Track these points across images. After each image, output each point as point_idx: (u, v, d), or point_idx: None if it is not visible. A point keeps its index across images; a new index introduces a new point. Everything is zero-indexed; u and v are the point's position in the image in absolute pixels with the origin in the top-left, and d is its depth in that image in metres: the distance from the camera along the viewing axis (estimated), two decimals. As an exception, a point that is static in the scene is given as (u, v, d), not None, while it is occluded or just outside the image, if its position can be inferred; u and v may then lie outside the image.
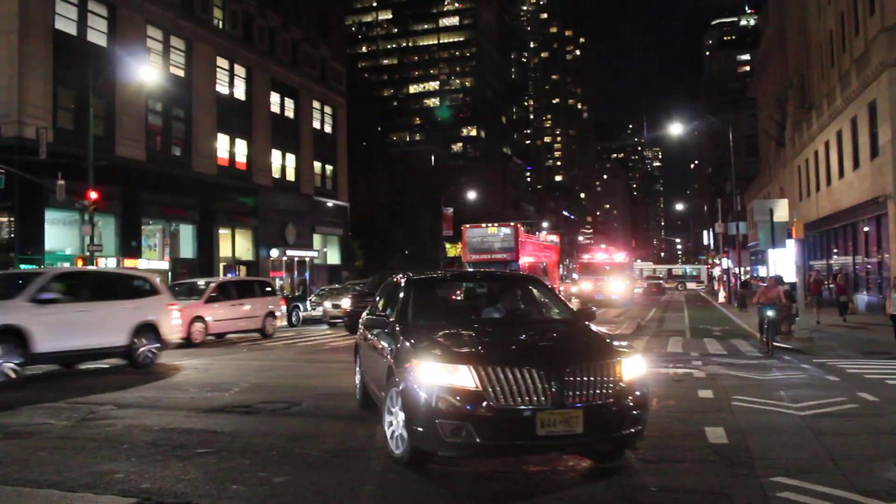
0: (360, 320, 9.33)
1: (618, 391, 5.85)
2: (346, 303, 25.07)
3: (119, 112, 32.64)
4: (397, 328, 7.01)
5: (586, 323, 7.49)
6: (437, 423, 5.59)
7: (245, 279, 29.35)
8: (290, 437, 7.60)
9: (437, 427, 5.59)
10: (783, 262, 38.15)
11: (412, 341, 6.41)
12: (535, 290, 8.65)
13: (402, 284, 7.97)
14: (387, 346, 6.95)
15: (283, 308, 24.89)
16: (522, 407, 5.55)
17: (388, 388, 6.47)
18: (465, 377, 5.63)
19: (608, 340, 6.58)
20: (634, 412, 5.90)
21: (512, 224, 34.70)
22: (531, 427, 5.52)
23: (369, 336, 8.16)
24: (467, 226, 35.24)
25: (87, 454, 6.90)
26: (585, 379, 5.74)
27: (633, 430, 5.93)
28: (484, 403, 5.54)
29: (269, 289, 24.62)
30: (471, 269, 29.37)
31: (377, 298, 9.27)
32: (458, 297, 9.40)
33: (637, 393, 5.99)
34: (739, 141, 68.94)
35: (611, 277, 42.12)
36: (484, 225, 35.00)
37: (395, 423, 6.27)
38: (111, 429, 8.20)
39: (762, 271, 65.47)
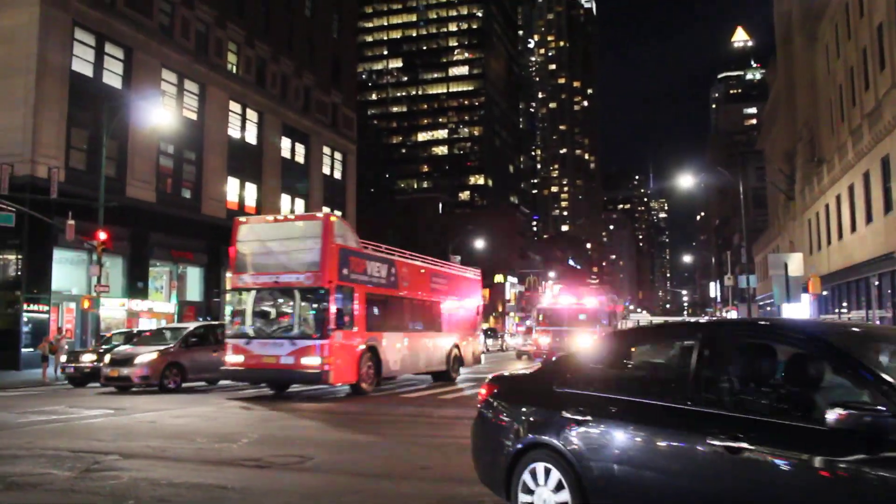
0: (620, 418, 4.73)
1: None
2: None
3: (131, 153, 32.78)
4: None
5: None
6: None
7: None
8: (304, 494, 7.27)
9: None
10: (796, 317, 37.69)
11: None
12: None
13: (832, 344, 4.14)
14: None
15: None
16: None
17: None
18: None
19: None
20: None
21: (319, 215, 20.36)
22: None
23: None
24: (243, 219, 19.22)
25: (92, 510, 6.58)
26: None
27: None
28: None
29: None
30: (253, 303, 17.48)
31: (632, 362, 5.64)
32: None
33: None
34: (747, 193, 68.98)
35: (578, 328, 29.95)
36: (271, 217, 20.79)
37: None
38: (116, 481, 7.86)
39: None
